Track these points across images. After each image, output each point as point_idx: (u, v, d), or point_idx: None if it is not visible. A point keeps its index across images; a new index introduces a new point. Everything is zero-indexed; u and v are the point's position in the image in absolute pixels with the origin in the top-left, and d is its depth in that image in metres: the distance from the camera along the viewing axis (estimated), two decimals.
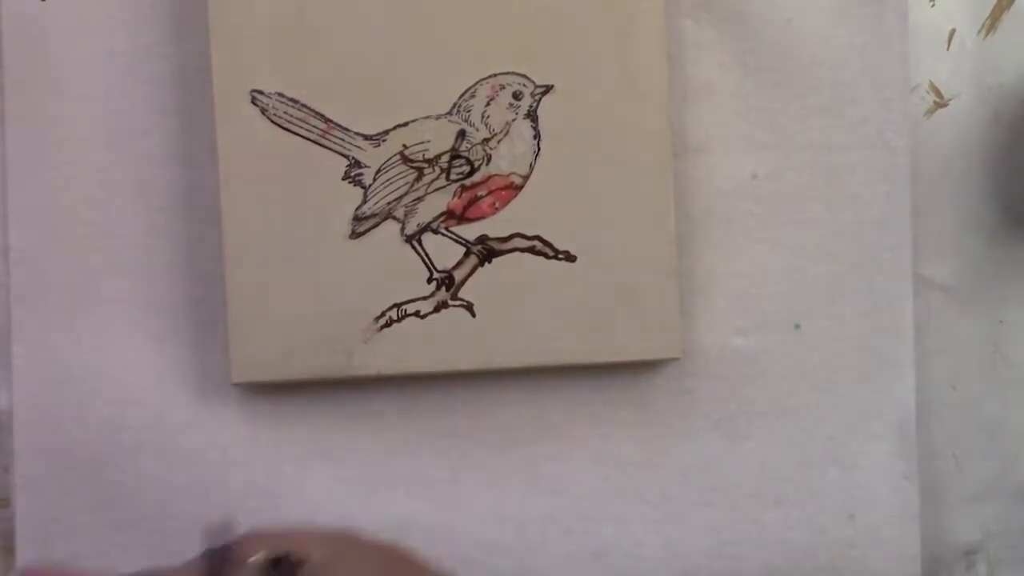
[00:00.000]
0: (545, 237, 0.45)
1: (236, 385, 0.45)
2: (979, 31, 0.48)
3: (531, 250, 0.45)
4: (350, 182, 0.45)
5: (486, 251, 0.45)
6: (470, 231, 0.45)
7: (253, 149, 0.44)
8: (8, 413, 0.47)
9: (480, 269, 0.45)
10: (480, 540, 0.46)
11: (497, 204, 0.45)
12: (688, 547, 0.46)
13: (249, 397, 0.46)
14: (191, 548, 0.46)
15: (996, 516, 0.48)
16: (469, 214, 0.45)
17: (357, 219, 0.45)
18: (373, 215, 0.45)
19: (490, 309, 0.45)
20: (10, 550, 0.48)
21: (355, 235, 0.45)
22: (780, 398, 0.46)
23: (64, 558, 0.46)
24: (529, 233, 0.45)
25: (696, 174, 0.46)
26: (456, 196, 0.45)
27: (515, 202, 0.45)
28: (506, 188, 0.45)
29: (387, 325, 0.45)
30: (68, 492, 0.46)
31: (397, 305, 0.45)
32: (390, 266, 0.45)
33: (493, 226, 0.45)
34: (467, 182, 0.45)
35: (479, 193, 0.45)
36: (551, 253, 0.45)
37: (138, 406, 0.46)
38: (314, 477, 0.45)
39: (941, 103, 0.48)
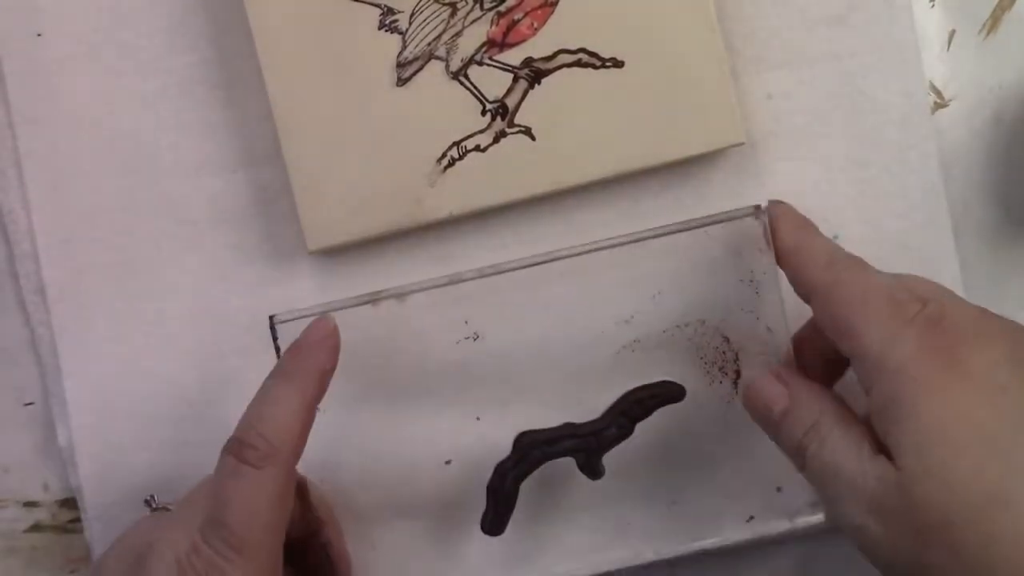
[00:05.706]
0: (589, 48, 0.45)
1: (312, 254, 0.45)
2: (979, 31, 0.47)
3: (578, 63, 0.45)
4: (386, 30, 0.45)
5: (533, 73, 0.45)
6: (514, 56, 0.45)
7: (284, 19, 0.44)
8: (70, 449, 0.47)
9: (531, 92, 0.44)
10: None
11: (535, 24, 0.45)
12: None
13: (324, 264, 0.46)
14: None
15: None
16: (510, 39, 0.45)
17: (400, 65, 0.44)
18: (416, 59, 0.45)
19: (549, 130, 0.44)
20: (11, 551, 0.48)
21: (401, 82, 0.44)
22: None
23: None
24: (572, 47, 0.45)
25: None
26: (494, 24, 0.45)
27: (553, 19, 0.44)
28: (541, 6, 0.44)
29: (450, 165, 0.44)
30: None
31: (456, 143, 0.44)
32: (442, 106, 0.44)
33: (536, 47, 0.44)
34: (502, 8, 0.44)
35: (516, 16, 0.45)
36: (598, 63, 0.45)
37: (195, 421, 0.46)
38: None
39: (941, 103, 0.47)
